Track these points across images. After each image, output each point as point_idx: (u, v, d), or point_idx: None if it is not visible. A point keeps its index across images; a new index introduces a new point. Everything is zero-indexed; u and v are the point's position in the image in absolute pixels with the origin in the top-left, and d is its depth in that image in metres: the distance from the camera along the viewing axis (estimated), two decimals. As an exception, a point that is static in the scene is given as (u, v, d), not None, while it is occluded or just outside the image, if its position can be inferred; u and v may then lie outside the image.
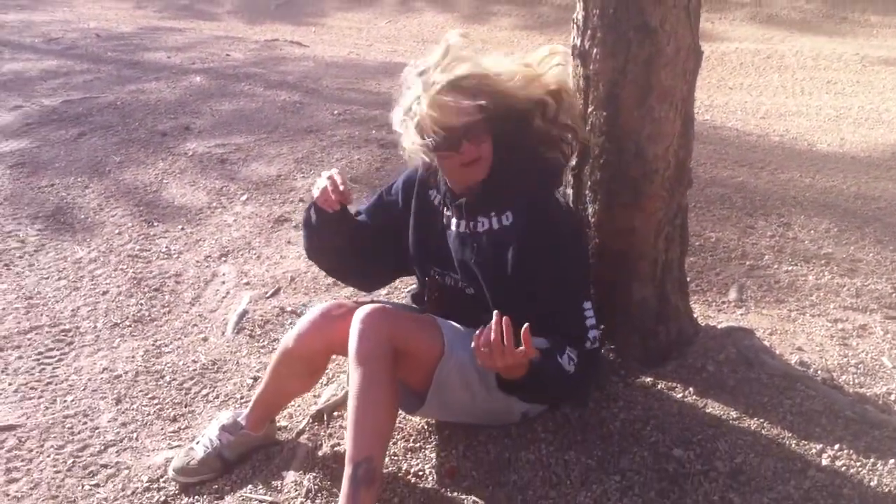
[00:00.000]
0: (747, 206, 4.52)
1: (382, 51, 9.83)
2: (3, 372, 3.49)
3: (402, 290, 3.49)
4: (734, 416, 2.58)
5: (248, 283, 4.02)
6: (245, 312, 3.74)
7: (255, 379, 3.26)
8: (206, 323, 3.76)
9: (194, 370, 3.40)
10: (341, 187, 2.43)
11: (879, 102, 7.79)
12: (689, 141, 2.67)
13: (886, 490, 2.29)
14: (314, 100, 6.71)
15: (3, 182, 5.47)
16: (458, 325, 2.48)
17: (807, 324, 3.36)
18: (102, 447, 3.02)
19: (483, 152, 2.38)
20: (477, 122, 2.33)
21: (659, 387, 2.71)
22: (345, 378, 2.96)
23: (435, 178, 2.60)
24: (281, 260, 4.21)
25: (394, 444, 2.67)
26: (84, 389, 3.35)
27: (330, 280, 3.69)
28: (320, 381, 2.94)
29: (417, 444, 2.68)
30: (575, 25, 2.63)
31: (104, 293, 4.09)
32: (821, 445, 2.44)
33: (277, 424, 2.91)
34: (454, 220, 2.54)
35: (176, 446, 2.96)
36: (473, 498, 2.44)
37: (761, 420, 2.55)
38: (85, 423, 3.15)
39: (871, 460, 2.38)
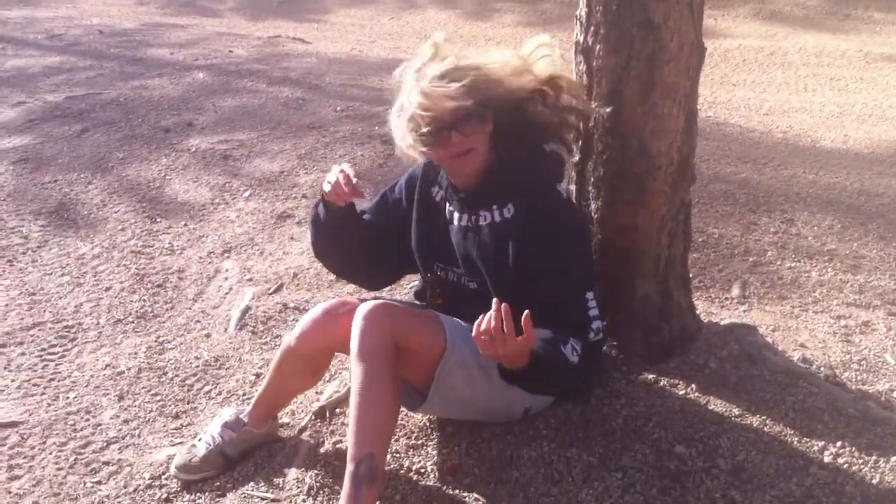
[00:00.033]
0: (750, 203, 4.51)
1: (385, 47, 9.82)
2: (5, 368, 3.50)
3: (405, 286, 3.49)
4: (736, 412, 2.58)
5: (250, 280, 4.02)
6: (248, 309, 3.74)
7: (258, 375, 3.26)
8: (208, 319, 3.76)
9: (197, 367, 3.40)
10: (354, 180, 2.43)
11: (883, 99, 7.78)
12: (692, 137, 2.67)
13: (888, 487, 2.28)
14: (317, 96, 6.70)
15: (6, 178, 5.47)
16: (460, 322, 2.47)
17: (809, 320, 3.35)
18: (105, 444, 3.02)
19: (475, 144, 2.37)
20: (467, 112, 2.31)
21: (661, 383, 2.71)
22: (347, 375, 2.96)
23: (437, 174, 2.60)
24: (284, 256, 4.21)
25: (395, 441, 2.67)
26: (86, 386, 3.35)
27: (333, 276, 3.69)
28: (323, 378, 2.94)
29: (419, 441, 2.68)
30: (578, 22, 2.62)
31: (107, 289, 4.09)
32: (823, 443, 2.44)
33: (280, 421, 2.91)
34: (456, 215, 2.54)
35: (178, 443, 2.97)
36: (475, 495, 2.44)
37: (763, 417, 2.55)
38: (87, 419, 3.16)
39: (874, 457, 2.37)
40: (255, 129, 5.96)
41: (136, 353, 3.53)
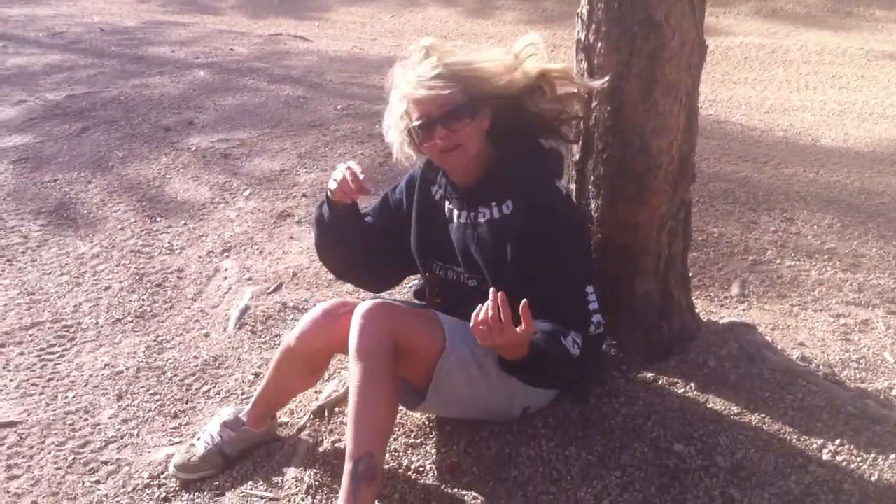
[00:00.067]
0: (750, 201, 4.51)
1: (386, 45, 9.82)
2: (4, 368, 3.50)
3: (405, 285, 3.48)
4: (735, 411, 2.57)
5: (250, 279, 4.02)
6: (247, 308, 3.74)
7: (257, 375, 3.26)
8: (207, 319, 3.76)
9: (196, 366, 3.40)
10: (361, 176, 2.43)
11: (884, 97, 7.78)
12: (693, 135, 2.66)
13: (887, 485, 2.28)
14: (318, 94, 6.70)
15: (6, 177, 5.47)
16: (459, 321, 2.47)
17: (809, 319, 3.35)
18: (103, 444, 3.02)
19: (462, 139, 2.37)
20: (453, 107, 2.34)
21: (660, 382, 2.71)
22: (346, 374, 2.95)
23: (437, 173, 2.60)
24: (283, 255, 4.21)
25: (394, 439, 2.67)
26: (85, 386, 3.35)
27: (332, 276, 3.69)
28: (322, 377, 2.93)
29: (418, 440, 2.68)
30: (579, 19, 2.62)
31: (106, 289, 4.09)
32: (822, 441, 2.44)
33: (278, 421, 2.91)
34: (455, 213, 2.55)
35: (177, 443, 2.96)
36: (474, 494, 2.43)
37: (762, 415, 2.55)
38: (86, 419, 3.16)
39: (872, 455, 2.37)
40: (255, 127, 5.96)
41: (134, 353, 3.53)
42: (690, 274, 2.99)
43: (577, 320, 2.37)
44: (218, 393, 3.23)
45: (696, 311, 3.00)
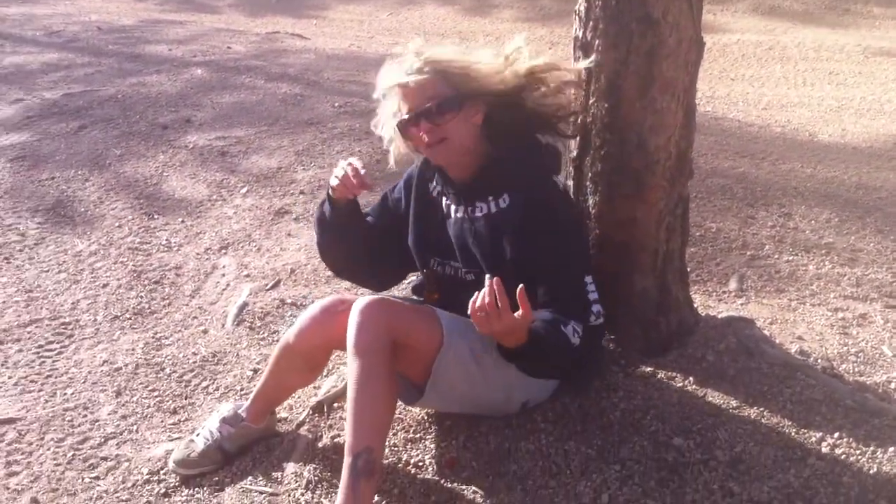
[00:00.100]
0: (748, 197, 4.51)
1: (384, 43, 9.81)
2: (3, 365, 3.49)
3: (404, 282, 3.48)
4: (734, 405, 2.58)
5: (248, 276, 4.02)
6: (245, 305, 3.74)
7: (256, 371, 3.26)
8: (206, 315, 3.76)
9: (194, 362, 3.40)
10: (362, 171, 2.44)
11: (881, 93, 7.78)
12: (690, 132, 2.67)
13: (886, 478, 2.28)
14: (315, 92, 6.70)
15: (3, 175, 5.47)
16: (457, 316, 2.47)
17: (807, 313, 3.35)
18: (102, 440, 3.02)
19: (447, 133, 2.41)
20: (439, 102, 2.38)
21: (659, 376, 2.71)
22: (345, 369, 2.95)
23: (434, 170, 2.61)
24: (281, 252, 4.21)
25: (394, 434, 2.67)
26: (84, 382, 3.35)
27: (330, 272, 3.68)
28: (321, 374, 2.93)
29: (417, 435, 2.68)
30: (577, 17, 2.62)
31: (104, 286, 4.09)
32: (820, 434, 2.44)
33: (278, 416, 2.91)
34: (453, 208, 2.56)
35: (176, 438, 2.96)
36: (473, 488, 2.44)
37: (761, 409, 2.55)
38: (85, 415, 3.16)
39: (871, 448, 2.37)
40: (252, 125, 5.96)
41: (133, 350, 3.53)
42: (688, 269, 3.00)
43: (576, 310, 2.37)
44: (217, 389, 3.23)
45: (695, 305, 3.01)
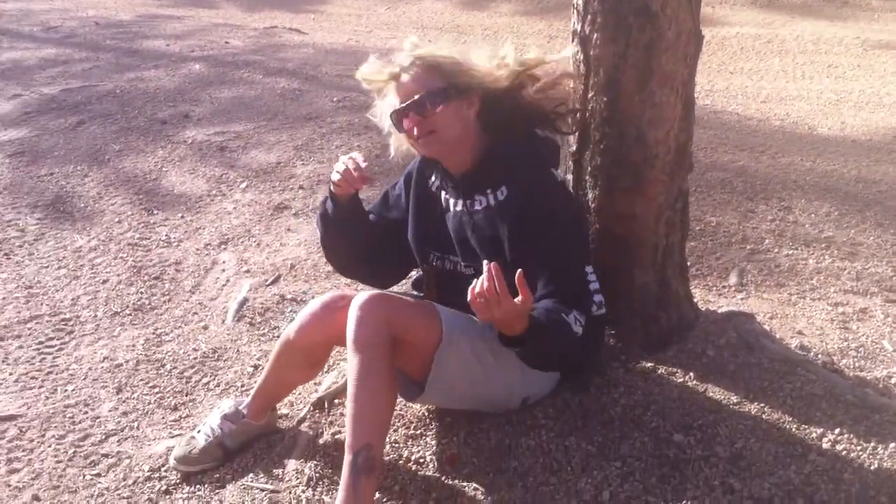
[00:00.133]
0: (748, 191, 4.51)
1: (382, 37, 9.81)
2: (3, 362, 3.50)
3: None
4: (735, 400, 2.57)
5: (248, 271, 4.02)
6: (245, 300, 3.74)
7: (256, 367, 3.26)
8: (206, 311, 3.76)
9: (195, 359, 3.40)
10: (363, 164, 2.44)
11: (880, 86, 7.79)
12: (689, 125, 2.66)
13: (887, 474, 2.28)
14: (313, 87, 6.69)
15: (2, 171, 5.47)
16: (457, 312, 2.47)
17: (807, 308, 3.35)
18: (103, 437, 3.02)
19: (435, 125, 2.42)
20: (427, 94, 2.40)
21: (659, 372, 2.71)
22: (345, 365, 2.95)
23: (433, 166, 2.61)
24: (281, 247, 4.20)
25: (394, 431, 2.68)
26: (84, 379, 3.35)
27: (330, 267, 3.68)
28: (322, 370, 2.93)
29: (418, 432, 2.68)
30: (575, 10, 2.62)
31: (104, 282, 4.09)
32: (821, 430, 2.44)
33: (278, 412, 2.91)
34: (452, 201, 2.57)
35: (177, 435, 2.96)
36: (474, 485, 2.43)
37: (762, 405, 2.55)
38: (86, 412, 3.15)
39: (872, 444, 2.37)
40: (251, 120, 5.95)
41: (133, 346, 3.53)
42: (688, 264, 2.99)
43: (578, 300, 2.36)
44: (217, 385, 3.23)
45: (695, 300, 3.00)
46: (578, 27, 2.61)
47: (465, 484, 2.45)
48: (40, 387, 3.32)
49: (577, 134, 2.69)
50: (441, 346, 2.37)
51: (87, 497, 2.73)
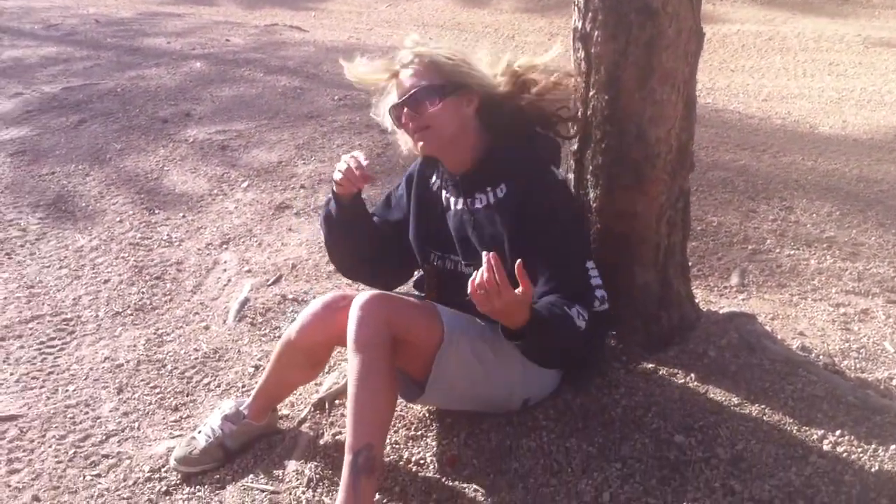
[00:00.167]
0: (749, 190, 4.50)
1: (383, 35, 9.80)
2: (4, 362, 3.50)
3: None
4: (735, 402, 2.57)
5: (249, 271, 4.02)
6: (246, 300, 3.74)
7: (257, 367, 3.26)
8: (207, 311, 3.76)
9: (196, 359, 3.40)
10: (364, 163, 2.44)
11: (882, 84, 7.77)
12: (690, 124, 2.66)
13: (888, 476, 2.28)
14: (315, 85, 6.69)
15: (3, 170, 5.47)
16: (458, 312, 2.47)
17: (808, 308, 3.35)
18: (104, 437, 3.02)
19: (431, 121, 2.43)
20: (421, 90, 2.42)
21: (660, 373, 2.70)
22: (346, 366, 2.95)
23: (434, 166, 2.62)
24: (282, 247, 4.20)
25: (395, 432, 2.67)
26: (85, 379, 3.35)
27: (331, 267, 3.68)
28: (322, 370, 2.93)
29: (419, 433, 2.68)
30: (576, 8, 2.61)
31: (105, 282, 4.09)
32: (822, 431, 2.43)
33: (279, 413, 2.91)
34: (452, 200, 2.57)
35: (177, 436, 2.96)
36: (475, 486, 2.43)
37: (763, 406, 2.54)
38: (86, 412, 3.16)
39: (873, 446, 2.37)
40: (252, 118, 5.95)
41: (134, 346, 3.53)
42: (690, 263, 2.99)
43: (580, 295, 2.36)
44: (218, 385, 3.23)
45: (696, 300, 3.00)
46: (579, 24, 2.60)
47: (465, 485, 2.45)
48: (41, 387, 3.32)
49: (577, 135, 2.69)
50: (442, 346, 2.37)
51: (87, 497, 2.73)
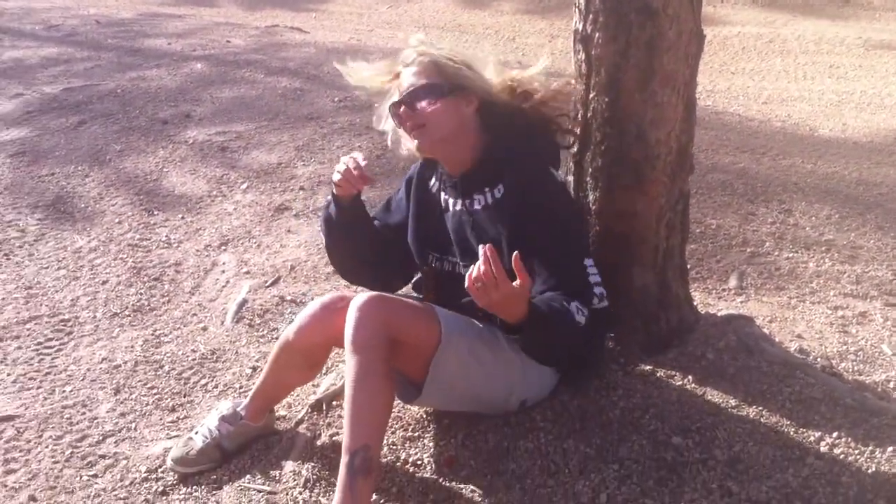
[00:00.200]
0: (748, 193, 4.50)
1: (383, 36, 9.79)
2: (2, 362, 3.49)
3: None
4: (733, 403, 2.57)
5: (247, 272, 4.01)
6: (244, 302, 3.74)
7: (255, 369, 3.25)
8: (205, 312, 3.76)
9: (193, 360, 3.39)
10: (363, 163, 2.45)
11: (882, 87, 7.77)
12: (691, 126, 2.66)
13: (885, 477, 2.28)
14: (315, 86, 6.68)
15: (3, 171, 5.47)
16: (456, 314, 2.47)
17: (807, 311, 3.35)
18: (101, 437, 3.02)
19: (428, 119, 2.44)
20: (419, 89, 2.44)
21: (658, 375, 2.70)
22: (344, 367, 2.95)
23: (433, 167, 2.62)
24: (281, 249, 4.20)
25: (392, 433, 2.67)
26: (83, 379, 3.35)
27: (330, 269, 3.68)
28: (320, 371, 2.93)
29: (416, 434, 2.68)
30: (577, 9, 2.61)
31: (104, 283, 4.09)
32: (819, 433, 2.43)
33: (276, 414, 2.90)
34: (451, 201, 2.58)
35: (175, 436, 2.96)
36: (472, 487, 2.43)
37: (760, 408, 2.54)
38: (83, 413, 3.15)
39: (870, 448, 2.37)
40: (252, 120, 5.95)
41: (132, 347, 3.52)
42: (688, 266, 2.99)
43: (579, 292, 2.36)
44: (216, 387, 3.23)
45: (694, 303, 3.00)
46: (580, 26, 2.60)
47: (462, 486, 2.44)
48: (38, 387, 3.32)
49: (578, 137, 2.69)
50: (440, 347, 2.36)
51: (84, 498, 2.73)
